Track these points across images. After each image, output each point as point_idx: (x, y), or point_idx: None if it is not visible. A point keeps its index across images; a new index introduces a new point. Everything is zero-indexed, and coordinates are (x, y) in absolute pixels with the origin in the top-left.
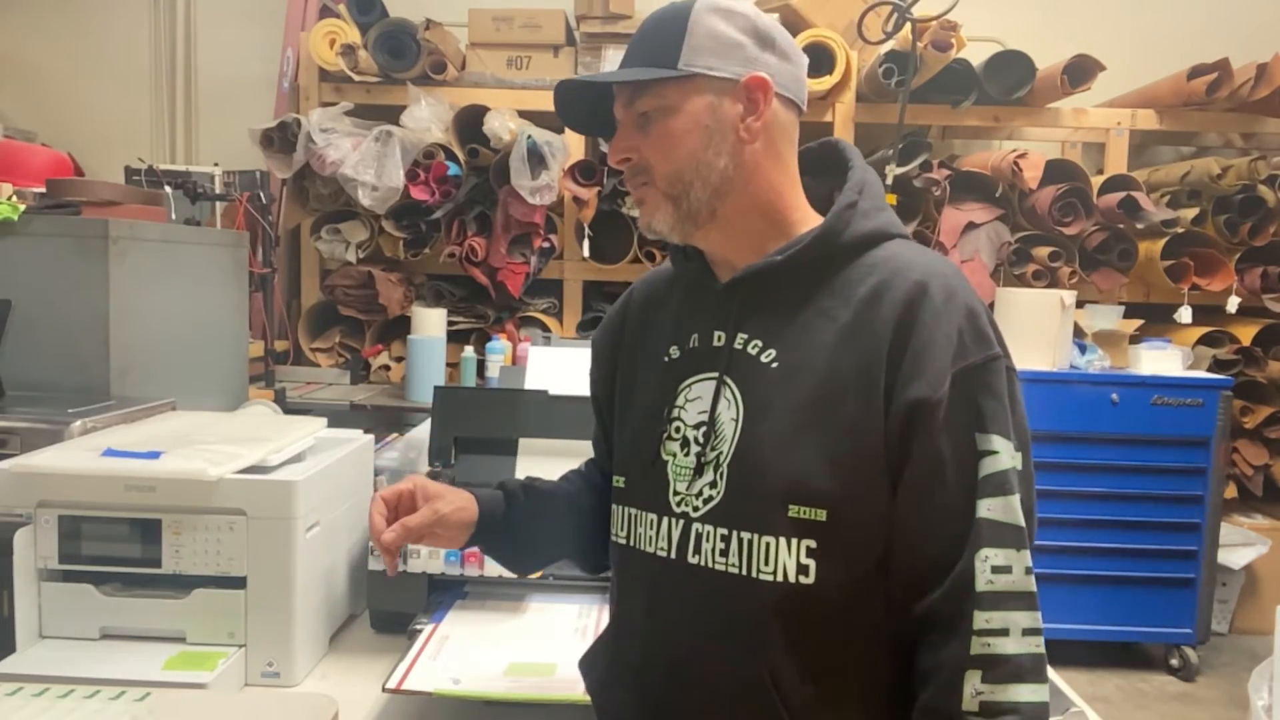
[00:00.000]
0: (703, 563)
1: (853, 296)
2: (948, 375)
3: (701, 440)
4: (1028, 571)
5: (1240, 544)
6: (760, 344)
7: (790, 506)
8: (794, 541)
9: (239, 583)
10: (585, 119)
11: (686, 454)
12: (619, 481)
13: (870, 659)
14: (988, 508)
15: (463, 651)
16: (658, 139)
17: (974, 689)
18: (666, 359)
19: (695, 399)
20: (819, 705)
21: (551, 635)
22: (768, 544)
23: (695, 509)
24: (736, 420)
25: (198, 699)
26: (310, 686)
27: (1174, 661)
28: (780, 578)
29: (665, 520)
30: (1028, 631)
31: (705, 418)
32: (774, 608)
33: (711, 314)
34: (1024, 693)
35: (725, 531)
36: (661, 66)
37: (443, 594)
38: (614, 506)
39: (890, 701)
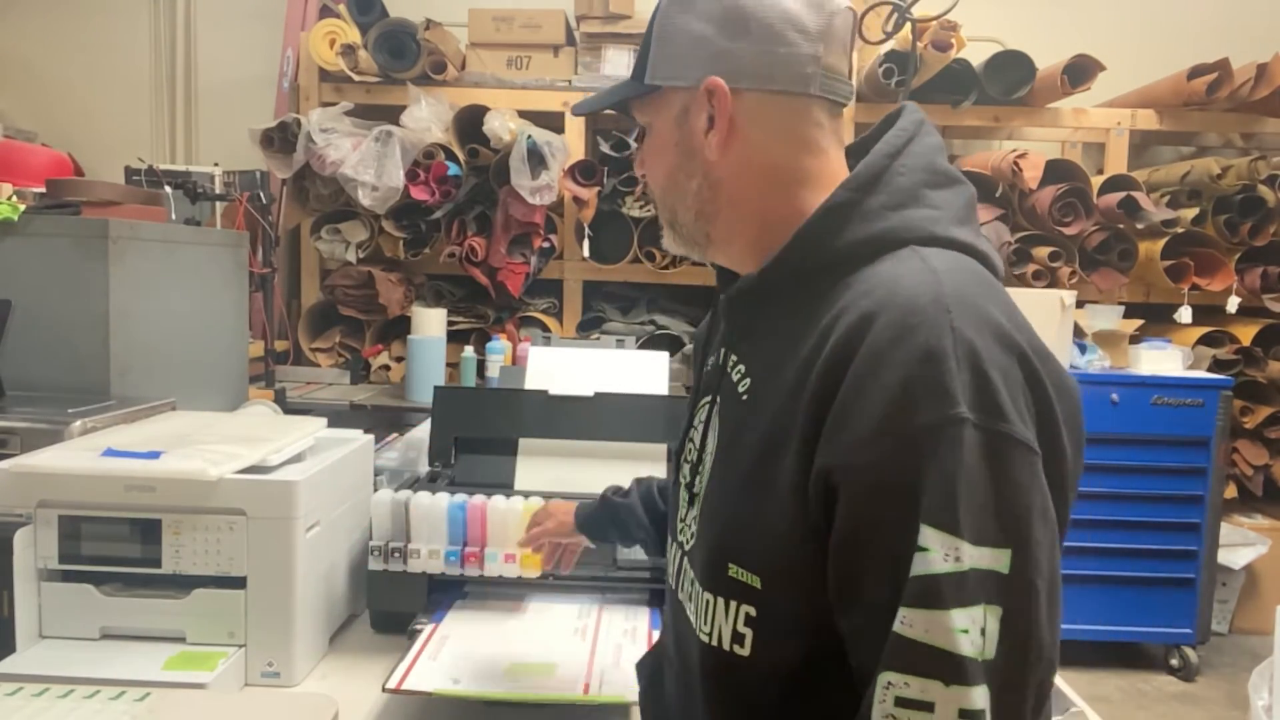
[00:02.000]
0: (684, 602)
1: (819, 324)
2: (883, 439)
3: (695, 468)
4: (963, 716)
5: (1240, 544)
6: (742, 370)
7: (729, 565)
8: (732, 605)
9: (239, 583)
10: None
11: (687, 480)
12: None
13: None
14: (903, 619)
15: (463, 651)
16: (647, 159)
17: None
18: (704, 371)
19: (702, 423)
20: None
21: (551, 635)
22: (707, 601)
23: (687, 541)
24: (714, 454)
25: (198, 699)
26: (310, 686)
27: (1174, 661)
28: (715, 642)
29: (673, 546)
30: None
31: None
32: (705, 672)
33: (726, 328)
34: None
35: (693, 576)
36: (638, 79)
37: (443, 594)
38: None
39: None
